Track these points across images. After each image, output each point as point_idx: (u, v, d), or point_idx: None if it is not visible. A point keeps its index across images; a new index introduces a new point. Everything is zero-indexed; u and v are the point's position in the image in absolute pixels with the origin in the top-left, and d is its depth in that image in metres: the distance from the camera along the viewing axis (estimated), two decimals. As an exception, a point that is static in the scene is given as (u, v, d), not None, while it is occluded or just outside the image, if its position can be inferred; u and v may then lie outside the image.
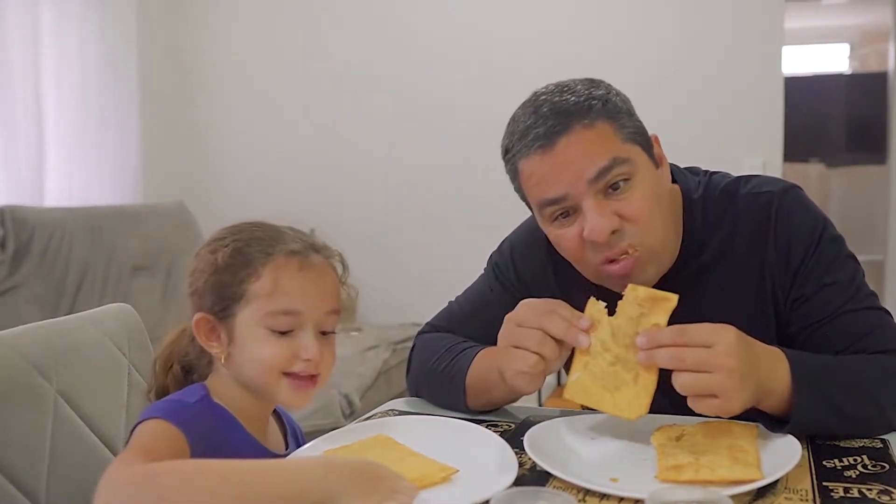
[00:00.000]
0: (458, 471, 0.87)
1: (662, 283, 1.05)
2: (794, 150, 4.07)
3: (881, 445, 0.95)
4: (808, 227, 1.06)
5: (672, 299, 0.90)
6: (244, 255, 0.95)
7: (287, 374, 0.95)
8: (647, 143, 1.05)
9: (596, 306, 0.94)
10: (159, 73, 4.01)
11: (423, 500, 0.81)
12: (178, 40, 4.13)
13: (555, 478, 0.87)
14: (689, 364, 0.86)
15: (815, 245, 1.05)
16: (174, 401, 0.95)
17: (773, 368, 0.92)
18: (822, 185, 5.66)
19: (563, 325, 0.92)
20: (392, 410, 1.18)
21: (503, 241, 1.28)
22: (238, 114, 4.12)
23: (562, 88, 1.03)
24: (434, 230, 3.82)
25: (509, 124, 1.05)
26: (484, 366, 1.09)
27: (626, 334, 0.91)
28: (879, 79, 5.16)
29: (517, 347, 0.94)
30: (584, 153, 0.98)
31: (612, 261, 1.01)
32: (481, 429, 1.00)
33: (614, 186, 0.99)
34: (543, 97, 1.02)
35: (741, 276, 1.08)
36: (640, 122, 1.05)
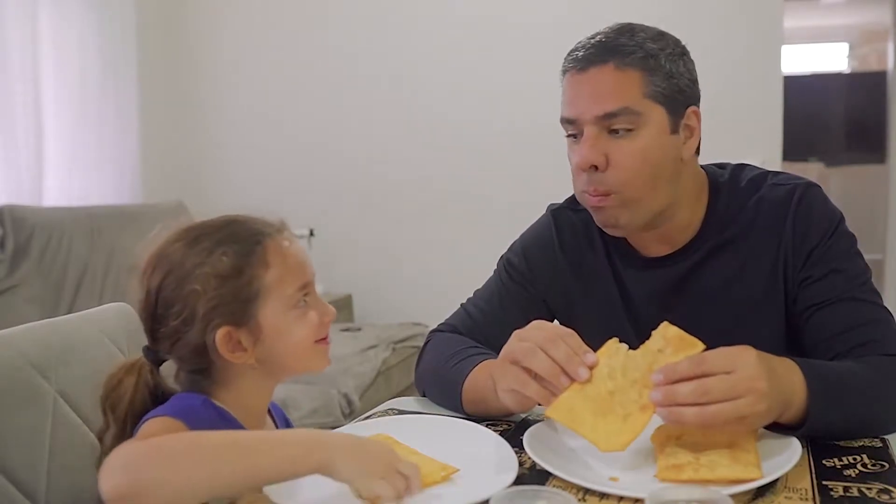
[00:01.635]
0: (458, 470, 0.87)
1: (684, 251, 1.14)
2: (794, 149, 4.08)
3: (881, 444, 0.95)
4: (826, 218, 1.11)
5: (699, 347, 0.87)
6: (242, 253, 0.93)
7: (315, 343, 0.97)
8: (674, 108, 1.09)
9: (617, 345, 0.91)
10: (158, 73, 4.01)
11: (423, 500, 0.81)
12: (177, 40, 4.13)
13: (555, 477, 0.86)
14: (715, 396, 0.82)
15: (830, 235, 1.10)
16: (178, 404, 0.93)
17: (790, 382, 0.91)
18: (822, 184, 5.56)
19: (565, 351, 0.90)
20: (392, 410, 1.17)
21: (514, 243, 1.31)
22: (237, 113, 4.12)
23: (623, 30, 1.10)
24: (434, 230, 3.82)
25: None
26: (482, 377, 1.08)
27: (636, 367, 0.88)
28: (878, 78, 5.17)
29: (514, 363, 0.93)
30: (602, 90, 1.06)
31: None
32: (481, 428, 1.01)
33: (615, 131, 1.06)
34: (604, 30, 1.11)
35: (759, 254, 1.13)
36: (679, 89, 1.09)
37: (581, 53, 1.08)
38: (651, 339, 0.90)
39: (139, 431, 0.88)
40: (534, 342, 0.92)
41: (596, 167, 1.06)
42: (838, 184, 5.70)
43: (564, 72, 1.12)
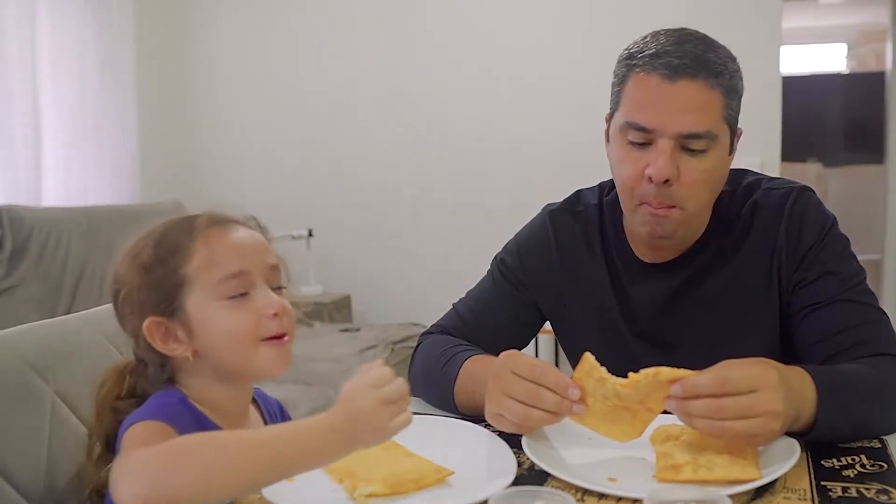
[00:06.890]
0: (452, 473, 0.87)
1: (686, 256, 1.15)
2: (792, 149, 4.08)
3: (879, 445, 0.95)
4: (819, 221, 1.12)
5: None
6: (168, 243, 0.92)
7: (262, 341, 0.92)
8: (733, 130, 1.10)
9: (592, 363, 0.89)
10: (156, 73, 4.01)
11: (421, 501, 0.81)
12: (174, 40, 4.12)
13: (553, 477, 0.87)
14: (730, 414, 0.83)
15: (823, 237, 1.11)
16: (156, 404, 0.91)
17: (802, 395, 0.91)
18: (820, 184, 5.65)
19: (554, 401, 0.90)
20: (390, 410, 1.17)
21: (508, 242, 1.30)
22: (235, 113, 4.11)
23: (708, 42, 1.08)
24: (433, 230, 3.82)
25: (647, 37, 1.09)
26: (470, 375, 1.09)
27: (629, 397, 0.87)
28: (877, 78, 5.17)
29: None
30: (689, 107, 1.03)
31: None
32: (480, 428, 1.01)
33: (691, 150, 1.04)
34: (690, 40, 1.07)
35: (754, 258, 1.14)
36: (739, 111, 1.11)
37: (673, 60, 1.03)
38: (641, 380, 0.86)
39: (124, 438, 0.86)
40: (521, 401, 0.92)
41: (667, 180, 1.04)
42: (837, 184, 5.70)
43: (639, 70, 1.06)
